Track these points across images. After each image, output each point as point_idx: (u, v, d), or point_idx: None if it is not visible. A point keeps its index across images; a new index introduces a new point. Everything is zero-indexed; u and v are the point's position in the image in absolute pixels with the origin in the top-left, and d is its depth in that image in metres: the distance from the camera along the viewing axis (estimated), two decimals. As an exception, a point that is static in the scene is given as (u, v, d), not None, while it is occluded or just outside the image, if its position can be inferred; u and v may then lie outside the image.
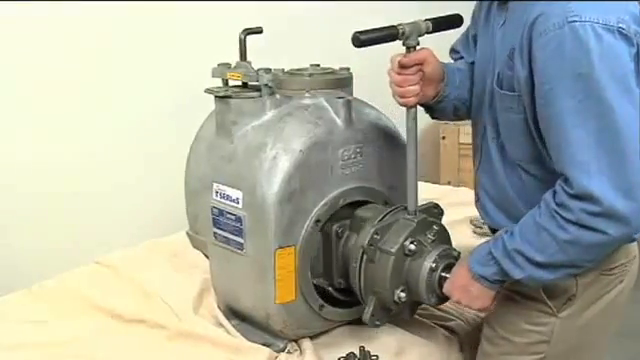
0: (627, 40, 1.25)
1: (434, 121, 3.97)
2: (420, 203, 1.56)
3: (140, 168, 2.57)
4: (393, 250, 1.46)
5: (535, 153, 1.39)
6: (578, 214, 1.27)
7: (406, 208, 1.54)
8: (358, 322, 1.63)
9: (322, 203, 1.53)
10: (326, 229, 1.55)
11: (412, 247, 1.47)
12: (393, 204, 1.59)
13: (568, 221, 1.29)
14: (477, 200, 1.60)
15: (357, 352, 1.54)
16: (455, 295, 1.46)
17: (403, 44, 1.47)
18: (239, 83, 1.69)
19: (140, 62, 2.51)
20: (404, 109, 1.51)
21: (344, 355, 1.55)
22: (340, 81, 1.63)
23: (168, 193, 2.23)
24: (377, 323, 1.53)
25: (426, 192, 2.26)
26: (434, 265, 1.48)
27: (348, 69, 1.67)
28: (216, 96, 1.65)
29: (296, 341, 1.61)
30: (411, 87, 1.47)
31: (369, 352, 1.54)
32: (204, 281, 1.80)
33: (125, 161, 2.54)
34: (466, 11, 1.59)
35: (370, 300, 1.50)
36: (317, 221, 1.53)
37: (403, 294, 1.48)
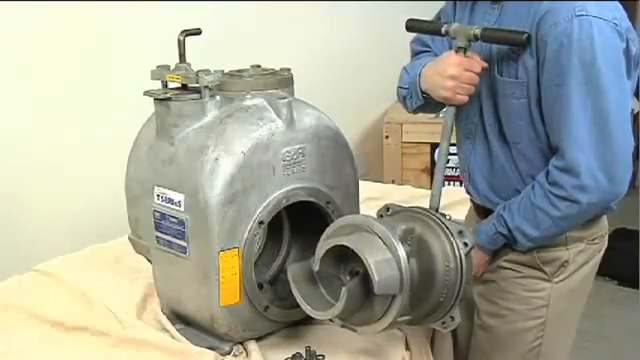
0: (619, 35, 1.46)
1: (377, 120, 4.00)
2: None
3: (80, 171, 2.51)
4: (472, 242, 1.49)
5: (531, 135, 1.56)
6: (569, 190, 1.49)
7: (416, 211, 1.52)
8: (303, 322, 1.63)
9: (265, 204, 1.52)
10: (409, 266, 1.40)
11: None
12: (336, 204, 1.60)
13: (560, 198, 1.50)
14: (468, 181, 1.74)
15: (303, 352, 1.55)
16: (481, 271, 1.68)
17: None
18: (179, 85, 1.68)
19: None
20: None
21: (290, 356, 1.55)
22: (281, 82, 1.62)
23: (111, 196, 2.19)
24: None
25: (370, 190, 2.28)
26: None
27: (289, 69, 1.67)
28: (155, 99, 1.63)
29: (242, 343, 1.60)
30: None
31: (315, 352, 1.55)
32: (147, 286, 1.78)
33: (61, 165, 2.48)
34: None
35: (460, 302, 1.48)
36: (260, 222, 1.52)
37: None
